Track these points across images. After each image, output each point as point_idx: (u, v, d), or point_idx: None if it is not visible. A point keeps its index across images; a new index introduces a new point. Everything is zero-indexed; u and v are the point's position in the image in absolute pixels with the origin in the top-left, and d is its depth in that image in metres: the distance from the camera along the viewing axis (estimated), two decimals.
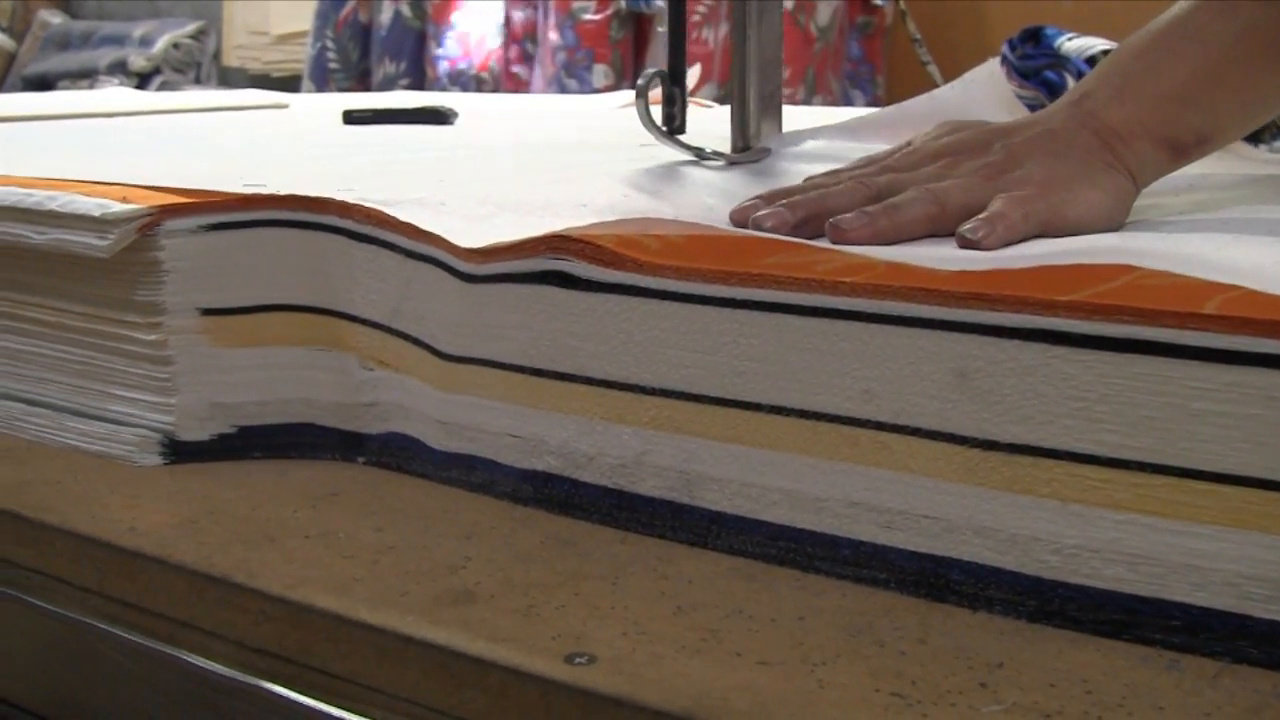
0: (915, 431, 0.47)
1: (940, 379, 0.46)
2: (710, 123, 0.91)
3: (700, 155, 0.82)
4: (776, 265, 0.50)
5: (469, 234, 0.59)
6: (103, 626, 0.52)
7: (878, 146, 0.75)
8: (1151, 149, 0.62)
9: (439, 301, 0.59)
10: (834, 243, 0.57)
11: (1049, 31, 2.50)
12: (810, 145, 0.84)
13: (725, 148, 0.85)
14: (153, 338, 0.63)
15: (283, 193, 0.64)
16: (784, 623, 0.45)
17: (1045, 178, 0.60)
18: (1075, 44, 2.41)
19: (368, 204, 0.63)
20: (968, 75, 0.96)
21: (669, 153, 0.83)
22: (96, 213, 0.61)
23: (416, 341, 0.61)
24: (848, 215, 0.57)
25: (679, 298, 0.51)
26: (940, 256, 0.53)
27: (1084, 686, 0.40)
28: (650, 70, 0.80)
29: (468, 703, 0.43)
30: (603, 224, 0.57)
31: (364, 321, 0.63)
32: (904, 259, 0.52)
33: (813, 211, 0.60)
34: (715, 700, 0.39)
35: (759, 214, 0.60)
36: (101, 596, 0.54)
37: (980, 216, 0.56)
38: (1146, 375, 0.42)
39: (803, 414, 0.49)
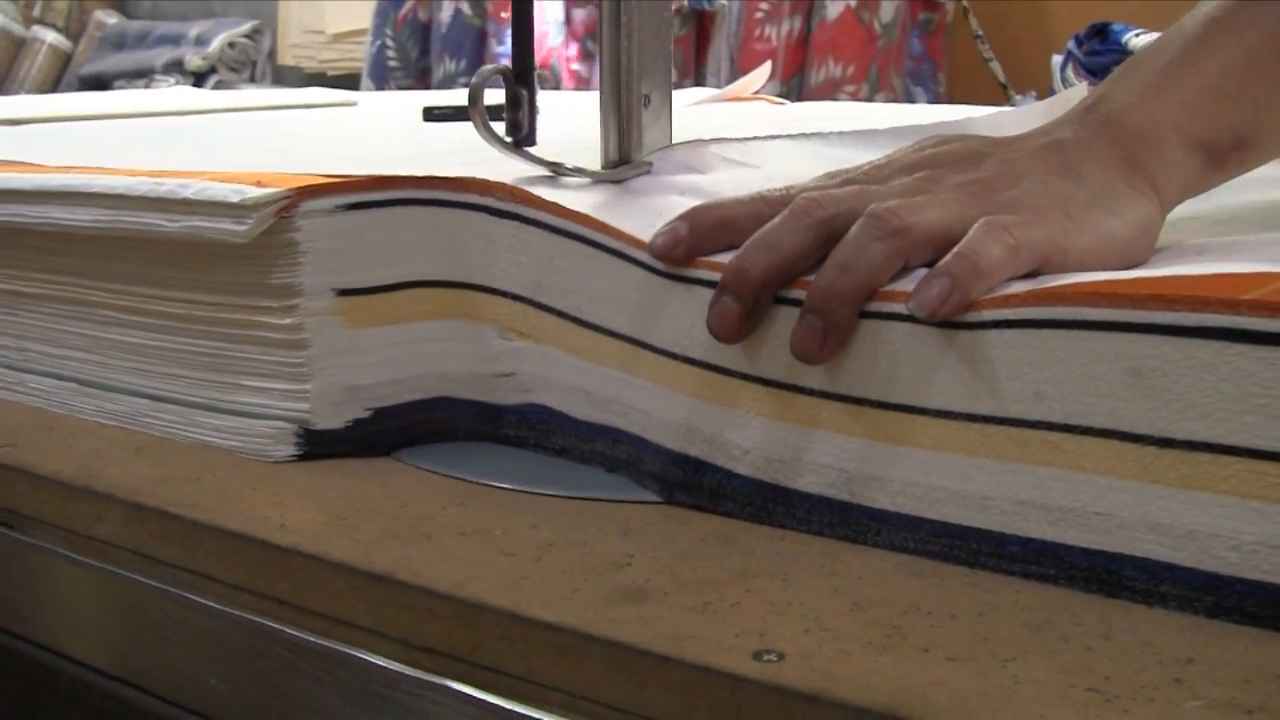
0: (1087, 431, 0.46)
1: (1114, 379, 0.45)
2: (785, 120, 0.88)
3: (557, 171, 0.67)
4: None
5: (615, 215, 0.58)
6: (271, 625, 0.52)
7: (782, 167, 0.71)
8: (1182, 155, 0.53)
9: (587, 275, 0.59)
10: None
11: (1116, 27, 2.47)
12: (705, 160, 0.71)
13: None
14: (288, 321, 0.62)
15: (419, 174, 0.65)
16: (964, 619, 0.45)
17: (1045, 201, 0.50)
18: (1143, 40, 2.38)
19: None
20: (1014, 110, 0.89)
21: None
22: (234, 198, 0.61)
23: (560, 314, 0.61)
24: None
25: None
26: None
27: (1279, 684, 0.40)
28: (487, 68, 0.67)
29: (652, 701, 0.43)
30: None
31: (504, 294, 0.63)
32: None
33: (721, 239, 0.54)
34: (915, 697, 0.39)
35: (658, 232, 0.55)
36: (253, 594, 0.54)
37: (941, 265, 0.48)
38: None
39: (970, 417, 0.49)
